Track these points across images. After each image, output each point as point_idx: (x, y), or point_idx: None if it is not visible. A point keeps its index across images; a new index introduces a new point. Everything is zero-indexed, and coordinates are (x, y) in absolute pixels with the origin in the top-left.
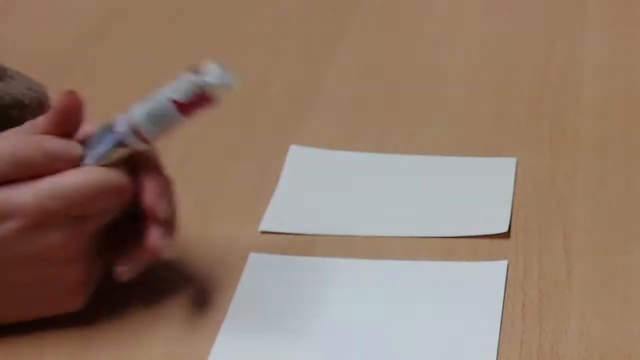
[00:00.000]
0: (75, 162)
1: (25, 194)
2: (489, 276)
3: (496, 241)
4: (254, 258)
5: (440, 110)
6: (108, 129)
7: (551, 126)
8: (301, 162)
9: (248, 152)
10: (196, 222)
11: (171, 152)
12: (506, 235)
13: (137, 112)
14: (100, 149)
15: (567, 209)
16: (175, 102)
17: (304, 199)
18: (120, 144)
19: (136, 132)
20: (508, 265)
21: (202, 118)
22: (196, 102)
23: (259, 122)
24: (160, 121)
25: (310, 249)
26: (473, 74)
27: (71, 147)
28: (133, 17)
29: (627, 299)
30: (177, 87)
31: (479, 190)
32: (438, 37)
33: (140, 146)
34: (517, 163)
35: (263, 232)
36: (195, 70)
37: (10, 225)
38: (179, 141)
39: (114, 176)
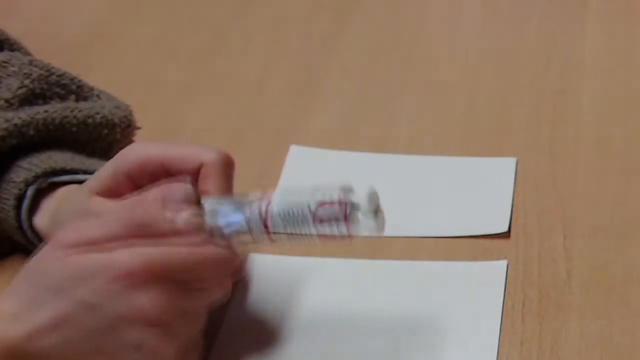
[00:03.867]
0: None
1: (126, 252)
2: (489, 276)
3: (496, 241)
4: (253, 259)
5: (440, 111)
6: (239, 206)
7: (551, 126)
8: (301, 162)
9: (248, 152)
10: None
11: None
12: (506, 235)
13: (274, 208)
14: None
15: (567, 209)
16: (314, 215)
17: None
18: (244, 230)
19: (265, 228)
20: (508, 265)
21: (201, 118)
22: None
23: (259, 122)
24: (292, 224)
25: (310, 249)
26: (473, 73)
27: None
28: (133, 17)
29: (627, 299)
30: (321, 197)
31: (479, 190)
32: (438, 37)
33: (262, 241)
34: (517, 163)
35: None
36: (347, 189)
37: (101, 281)
38: (180, 141)
39: (227, 250)
